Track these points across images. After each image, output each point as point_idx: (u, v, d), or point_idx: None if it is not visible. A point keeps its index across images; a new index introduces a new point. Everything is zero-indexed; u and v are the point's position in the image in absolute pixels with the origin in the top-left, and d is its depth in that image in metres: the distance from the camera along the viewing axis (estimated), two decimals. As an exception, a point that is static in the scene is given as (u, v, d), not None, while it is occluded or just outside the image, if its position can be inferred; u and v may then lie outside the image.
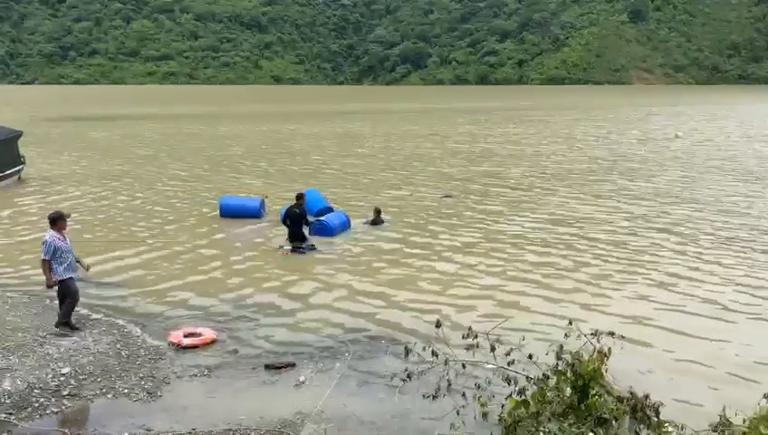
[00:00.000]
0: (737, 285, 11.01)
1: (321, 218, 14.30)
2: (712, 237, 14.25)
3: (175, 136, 40.61)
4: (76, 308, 9.02)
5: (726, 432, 4.94)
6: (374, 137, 40.04)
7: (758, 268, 11.92)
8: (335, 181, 22.44)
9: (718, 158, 28.53)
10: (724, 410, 5.12)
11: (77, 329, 8.80)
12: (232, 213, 16.18)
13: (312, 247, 13.15)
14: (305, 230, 13.50)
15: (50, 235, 8.72)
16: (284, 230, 13.78)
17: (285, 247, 13.10)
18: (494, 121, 53.37)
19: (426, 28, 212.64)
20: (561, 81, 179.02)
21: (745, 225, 15.49)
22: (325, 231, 13.97)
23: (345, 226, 14.65)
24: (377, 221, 15.46)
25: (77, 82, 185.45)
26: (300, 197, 13.82)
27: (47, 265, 8.62)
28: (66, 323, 8.76)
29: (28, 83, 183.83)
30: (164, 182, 22.37)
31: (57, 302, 9.60)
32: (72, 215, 16.81)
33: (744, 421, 4.98)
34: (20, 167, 22.68)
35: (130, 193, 20.14)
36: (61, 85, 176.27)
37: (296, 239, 13.28)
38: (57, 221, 8.85)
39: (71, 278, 8.82)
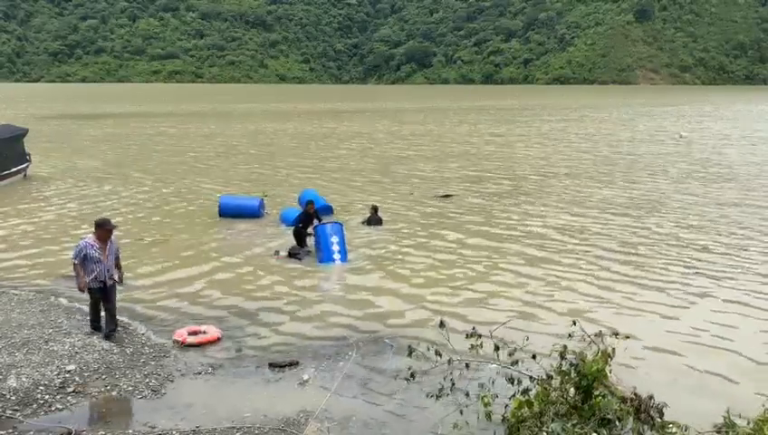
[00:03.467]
0: (740, 287, 10.96)
1: (337, 259, 12.34)
2: (712, 240, 14.20)
3: (159, 135, 40.21)
4: (78, 307, 8.93)
5: (730, 434, 4.93)
6: (364, 135, 40.04)
7: (761, 272, 11.88)
8: (313, 183, 22.37)
9: (715, 162, 28.28)
10: (728, 411, 5.12)
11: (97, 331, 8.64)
12: (231, 213, 16.04)
13: (307, 252, 12.84)
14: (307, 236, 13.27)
15: (84, 240, 8.43)
16: (281, 230, 13.91)
17: (281, 253, 12.87)
18: (490, 121, 53.26)
19: (431, 27, 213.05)
20: (566, 80, 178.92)
21: (740, 229, 15.43)
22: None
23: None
24: (373, 220, 15.40)
25: (83, 80, 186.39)
26: (309, 203, 13.62)
27: (77, 268, 8.33)
28: (95, 328, 8.64)
29: (34, 81, 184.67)
30: (156, 180, 22.39)
31: (62, 300, 9.71)
32: (71, 212, 16.89)
33: (749, 423, 4.97)
34: (26, 164, 22.77)
35: (123, 192, 20.10)
36: (66, 83, 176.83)
37: (297, 240, 13.17)
38: (97, 228, 8.46)
39: (96, 288, 8.44)
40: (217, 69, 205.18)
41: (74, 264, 8.40)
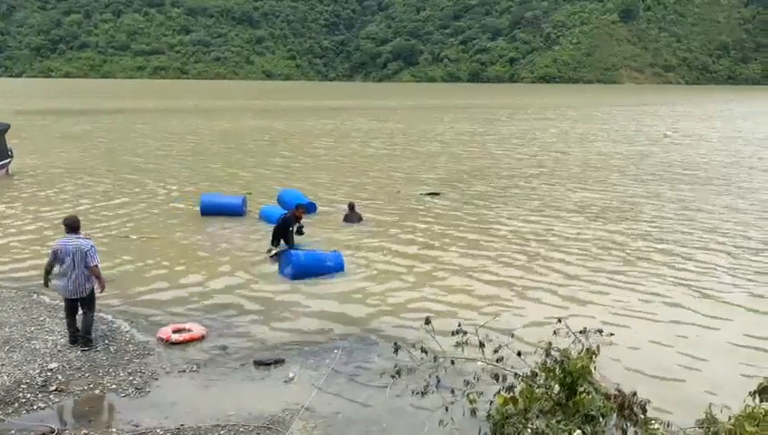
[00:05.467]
0: (721, 287, 11.11)
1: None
2: (690, 242, 14.36)
3: (138, 132, 39.68)
4: (61, 304, 8.73)
5: (712, 429, 4.98)
6: (346, 134, 39.99)
7: (744, 270, 12.04)
8: (292, 181, 22.29)
9: (691, 163, 28.45)
10: (710, 407, 5.17)
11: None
12: (213, 211, 15.84)
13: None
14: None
15: (86, 240, 8.15)
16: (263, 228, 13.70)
17: (274, 250, 12.62)
18: (470, 120, 53.25)
19: (418, 25, 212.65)
20: (552, 79, 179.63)
21: (716, 231, 15.60)
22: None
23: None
24: (351, 217, 15.34)
25: (66, 76, 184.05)
26: (299, 207, 13.33)
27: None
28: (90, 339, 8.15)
29: (16, 76, 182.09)
30: (136, 179, 22.12)
31: (44, 298, 9.58)
32: (50, 209, 16.69)
33: (730, 419, 5.02)
34: (8, 160, 22.47)
35: (101, 190, 19.81)
36: (49, 78, 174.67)
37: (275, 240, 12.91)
38: (77, 227, 8.22)
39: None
40: (203, 65, 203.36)
41: (97, 266, 8.09)
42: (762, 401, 5.15)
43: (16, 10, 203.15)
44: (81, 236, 8.21)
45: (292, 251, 11.76)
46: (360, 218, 15.44)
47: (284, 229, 12.73)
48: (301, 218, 13.11)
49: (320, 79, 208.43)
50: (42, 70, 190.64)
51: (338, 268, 11.42)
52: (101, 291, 8.30)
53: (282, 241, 12.76)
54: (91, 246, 8.09)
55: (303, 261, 11.25)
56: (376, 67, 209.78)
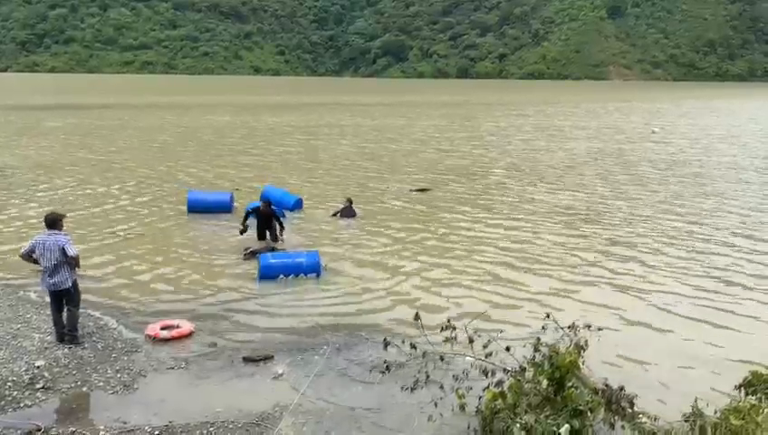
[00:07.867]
0: (705, 287, 11.20)
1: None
2: (682, 241, 14.47)
3: (121, 128, 39.51)
4: (45, 300, 8.63)
5: (699, 423, 5.03)
6: (329, 131, 39.91)
7: (732, 269, 12.15)
8: (275, 178, 22.23)
9: (672, 161, 28.70)
10: (696, 401, 5.22)
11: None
12: (200, 208, 15.68)
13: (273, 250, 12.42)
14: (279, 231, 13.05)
15: (63, 236, 8.06)
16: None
17: (251, 249, 12.41)
18: (451, 117, 53.30)
19: (407, 21, 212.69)
20: (540, 75, 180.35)
21: (699, 224, 15.72)
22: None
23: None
24: (346, 212, 15.30)
25: (52, 70, 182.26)
26: (265, 201, 13.28)
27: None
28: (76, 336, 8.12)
29: (1, 71, 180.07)
30: (120, 176, 21.94)
31: (31, 295, 9.48)
32: (34, 206, 16.48)
33: (716, 412, 5.08)
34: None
35: (87, 186, 19.53)
36: (35, 73, 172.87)
37: (263, 238, 12.99)
38: (59, 222, 8.20)
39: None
40: (191, 60, 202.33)
41: (76, 256, 8.10)
42: (747, 394, 5.21)
43: (1, 4, 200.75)
44: (60, 232, 8.13)
45: (263, 254, 11.57)
46: (353, 214, 15.42)
47: (270, 221, 12.99)
48: (265, 211, 13.17)
49: (308, 74, 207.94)
50: (27, 64, 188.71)
51: (312, 267, 11.03)
52: (78, 267, 8.26)
53: (268, 237, 13.00)
54: (68, 240, 8.06)
55: (270, 262, 11.03)
56: (365, 62, 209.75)
